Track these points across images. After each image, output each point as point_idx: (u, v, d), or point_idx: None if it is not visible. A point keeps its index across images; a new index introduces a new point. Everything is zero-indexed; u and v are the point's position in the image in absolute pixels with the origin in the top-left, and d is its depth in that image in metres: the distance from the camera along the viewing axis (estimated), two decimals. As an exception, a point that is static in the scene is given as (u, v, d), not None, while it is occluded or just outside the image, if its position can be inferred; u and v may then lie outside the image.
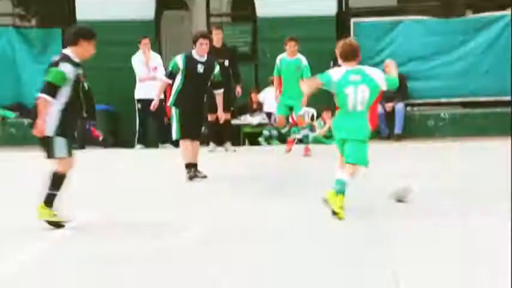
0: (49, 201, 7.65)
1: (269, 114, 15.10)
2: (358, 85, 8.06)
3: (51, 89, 7.45)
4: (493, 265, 6.16)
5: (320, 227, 7.64)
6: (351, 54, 8.09)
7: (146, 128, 14.70)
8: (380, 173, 10.52)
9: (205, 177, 10.53)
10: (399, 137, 14.91)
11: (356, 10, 16.58)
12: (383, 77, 8.21)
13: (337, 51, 8.14)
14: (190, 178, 10.30)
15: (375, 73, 8.20)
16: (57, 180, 7.60)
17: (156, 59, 14.71)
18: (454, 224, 7.56)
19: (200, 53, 10.52)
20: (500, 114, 15.42)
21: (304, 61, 12.56)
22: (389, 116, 15.10)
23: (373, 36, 15.85)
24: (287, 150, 12.94)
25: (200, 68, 10.50)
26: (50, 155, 7.59)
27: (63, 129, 7.52)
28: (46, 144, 7.56)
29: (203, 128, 10.99)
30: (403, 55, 15.64)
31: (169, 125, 10.76)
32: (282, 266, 6.39)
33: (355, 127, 8.12)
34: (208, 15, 16.61)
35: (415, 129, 15.16)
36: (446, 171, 10.72)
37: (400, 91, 15.29)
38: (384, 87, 8.22)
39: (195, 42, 10.52)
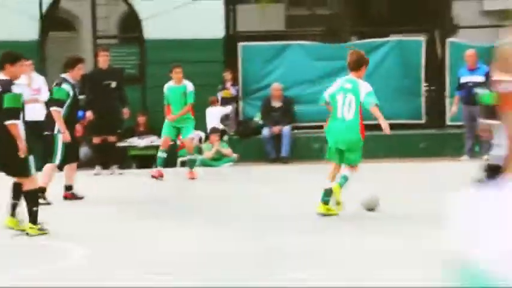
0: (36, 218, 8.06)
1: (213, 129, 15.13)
2: (347, 93, 8.74)
3: None
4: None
5: (211, 246, 7.58)
6: (351, 65, 8.91)
7: (32, 151, 14.26)
8: (269, 195, 10.57)
9: (82, 198, 10.48)
10: (286, 160, 15.04)
11: (244, 34, 16.71)
12: (367, 92, 8.75)
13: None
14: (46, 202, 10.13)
15: (363, 86, 8.80)
16: (37, 196, 8.16)
17: (38, 80, 14.36)
18: (347, 242, 7.65)
19: (76, 77, 10.54)
20: (386, 137, 15.74)
21: (189, 87, 12.61)
22: (277, 138, 15.21)
23: (261, 60, 15.99)
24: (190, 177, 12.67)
25: (77, 93, 10.56)
26: (26, 173, 7.95)
27: (29, 147, 8.04)
28: (17, 163, 7.89)
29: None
30: (289, 79, 15.82)
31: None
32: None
33: (346, 138, 8.78)
34: (95, 36, 16.40)
35: (302, 152, 15.32)
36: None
37: (287, 114, 15.48)
38: (362, 99, 8.73)
39: (73, 66, 10.39)
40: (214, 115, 14.86)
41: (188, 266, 6.90)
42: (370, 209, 9.10)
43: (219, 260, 7.08)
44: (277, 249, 7.44)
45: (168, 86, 12.71)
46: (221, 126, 14.87)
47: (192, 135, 12.83)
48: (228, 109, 15.24)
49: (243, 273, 6.58)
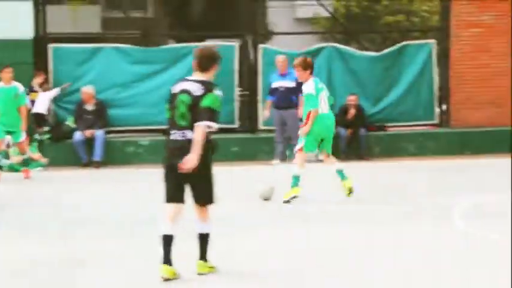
0: None
1: (39, 116, 14.93)
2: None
3: None
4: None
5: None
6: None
7: None
8: (74, 200, 10.39)
9: None
10: (99, 164, 14.79)
11: (55, 35, 16.28)
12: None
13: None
14: None
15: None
16: None
17: None
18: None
19: None
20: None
21: (20, 88, 12.72)
22: (90, 142, 14.94)
23: (73, 62, 15.65)
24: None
25: None
26: None
27: None
28: None
29: None
30: (103, 82, 15.59)
31: None
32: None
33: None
34: None
35: (115, 156, 15.13)
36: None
37: (100, 118, 15.23)
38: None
39: None
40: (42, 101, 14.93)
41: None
42: (266, 198, 10.12)
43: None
44: (76, 256, 7.29)
45: None
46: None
47: (22, 139, 12.84)
48: (56, 91, 15.17)
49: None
